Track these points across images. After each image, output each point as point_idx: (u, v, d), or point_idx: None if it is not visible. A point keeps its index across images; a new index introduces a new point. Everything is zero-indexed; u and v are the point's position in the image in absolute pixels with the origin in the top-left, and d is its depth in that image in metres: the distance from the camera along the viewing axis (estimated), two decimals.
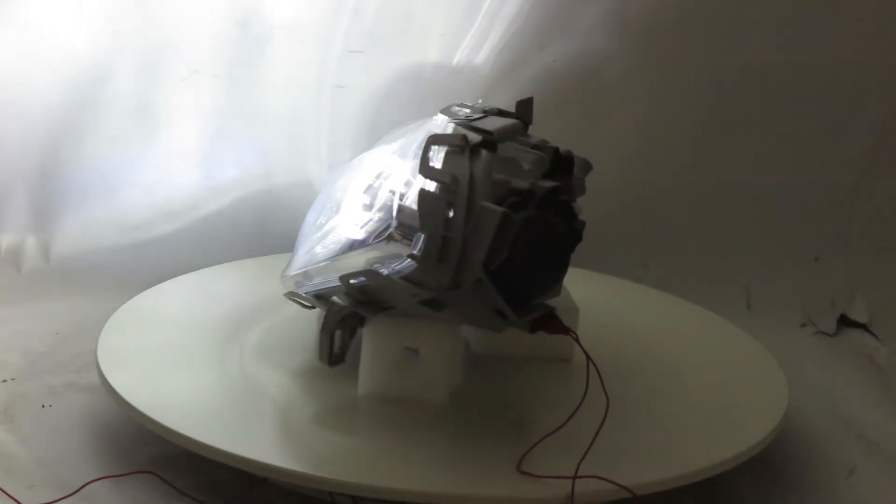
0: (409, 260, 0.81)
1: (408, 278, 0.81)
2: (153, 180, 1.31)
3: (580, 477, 0.76)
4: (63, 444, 0.89)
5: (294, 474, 0.78)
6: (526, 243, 0.78)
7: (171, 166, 1.31)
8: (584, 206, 0.86)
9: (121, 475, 0.84)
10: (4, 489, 0.81)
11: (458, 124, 0.84)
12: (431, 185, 0.80)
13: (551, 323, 0.82)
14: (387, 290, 0.85)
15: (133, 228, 1.30)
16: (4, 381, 0.99)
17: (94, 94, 1.28)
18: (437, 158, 0.80)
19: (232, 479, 0.84)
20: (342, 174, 0.96)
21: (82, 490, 0.82)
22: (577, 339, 0.81)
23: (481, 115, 0.85)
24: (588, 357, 0.80)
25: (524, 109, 0.87)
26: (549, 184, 0.79)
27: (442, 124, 0.86)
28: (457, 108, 0.87)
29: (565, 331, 0.82)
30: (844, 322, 1.27)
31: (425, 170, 0.79)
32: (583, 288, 1.03)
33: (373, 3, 1.29)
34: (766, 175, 1.32)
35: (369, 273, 0.84)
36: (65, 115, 1.28)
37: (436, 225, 0.79)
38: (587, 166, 0.86)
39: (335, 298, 0.88)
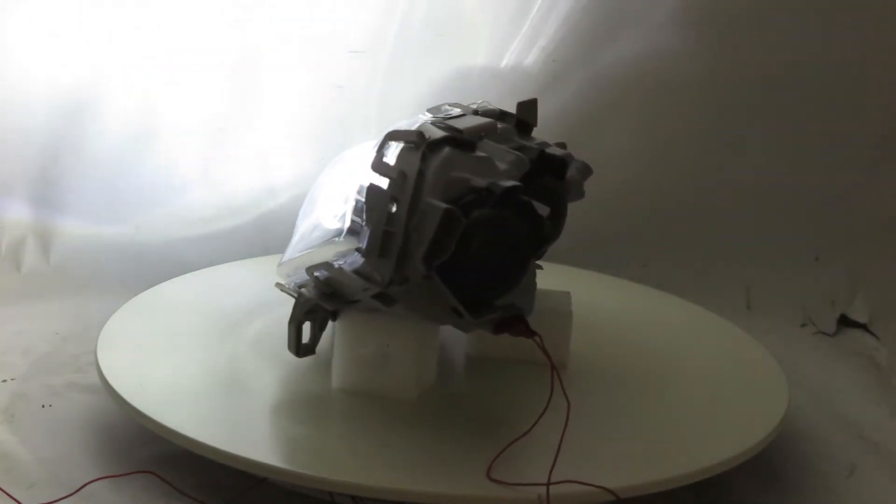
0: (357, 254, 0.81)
1: (357, 272, 0.81)
2: (155, 180, 1.31)
3: (553, 483, 0.75)
4: (63, 444, 0.89)
5: (294, 474, 0.78)
6: (481, 242, 0.77)
7: (173, 167, 1.31)
8: (585, 205, 0.85)
9: (121, 475, 0.84)
10: (4, 489, 0.81)
11: (433, 122, 0.83)
12: (385, 181, 0.79)
13: (516, 325, 0.80)
14: (344, 284, 0.85)
15: (134, 228, 1.30)
16: (4, 381, 0.99)
17: (95, 93, 1.28)
18: (394, 154, 0.80)
19: (232, 479, 0.84)
20: (329, 167, 0.97)
21: (82, 490, 0.82)
22: (541, 344, 0.79)
23: (463, 114, 0.84)
24: (550, 361, 0.79)
25: (526, 110, 0.86)
26: (508, 183, 0.77)
27: (419, 121, 0.85)
28: (448, 107, 0.86)
29: (530, 334, 0.80)
30: (844, 322, 1.27)
31: (376, 164, 0.79)
32: (583, 288, 1.03)
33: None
34: (766, 175, 1.32)
35: (327, 266, 0.84)
36: (65, 114, 1.28)
37: (378, 219, 0.78)
38: (587, 170, 0.84)
39: (303, 290, 0.88)
